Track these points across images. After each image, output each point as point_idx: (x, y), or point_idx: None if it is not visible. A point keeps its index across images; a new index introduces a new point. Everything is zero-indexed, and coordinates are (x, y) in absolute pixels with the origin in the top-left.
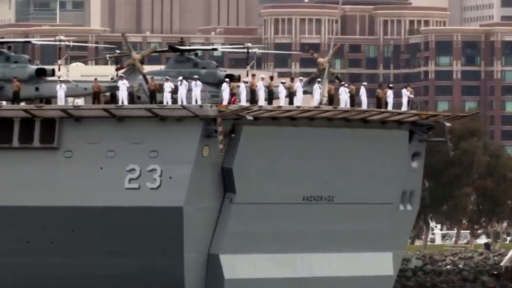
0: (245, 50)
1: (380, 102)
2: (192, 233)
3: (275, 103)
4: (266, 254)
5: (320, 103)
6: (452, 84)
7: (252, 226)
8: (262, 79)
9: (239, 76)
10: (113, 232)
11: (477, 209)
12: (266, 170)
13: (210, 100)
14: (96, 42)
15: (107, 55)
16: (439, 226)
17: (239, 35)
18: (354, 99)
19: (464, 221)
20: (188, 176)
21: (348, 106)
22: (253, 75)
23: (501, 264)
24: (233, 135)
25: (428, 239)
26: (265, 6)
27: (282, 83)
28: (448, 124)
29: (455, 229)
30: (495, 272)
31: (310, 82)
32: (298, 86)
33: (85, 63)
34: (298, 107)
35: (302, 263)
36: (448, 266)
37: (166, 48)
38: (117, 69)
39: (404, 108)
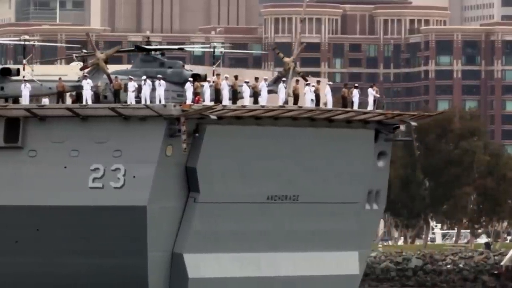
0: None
1: (345, 102)
2: (155, 232)
3: (240, 103)
4: (230, 253)
5: (286, 102)
6: (452, 83)
7: (216, 225)
8: (226, 78)
9: (205, 75)
10: (77, 231)
11: (477, 209)
12: (230, 170)
13: (175, 100)
14: (96, 42)
15: (74, 55)
16: (439, 225)
17: (239, 34)
18: (319, 98)
19: (464, 221)
20: (151, 175)
21: (313, 105)
22: (218, 75)
23: (502, 263)
24: (197, 134)
25: (429, 238)
26: (265, 5)
27: (246, 82)
28: (414, 124)
29: (456, 228)
30: (496, 272)
31: (276, 81)
32: (262, 85)
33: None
34: (263, 106)
35: (267, 262)
36: (449, 266)
37: (132, 48)
38: (81, 69)
39: (370, 107)
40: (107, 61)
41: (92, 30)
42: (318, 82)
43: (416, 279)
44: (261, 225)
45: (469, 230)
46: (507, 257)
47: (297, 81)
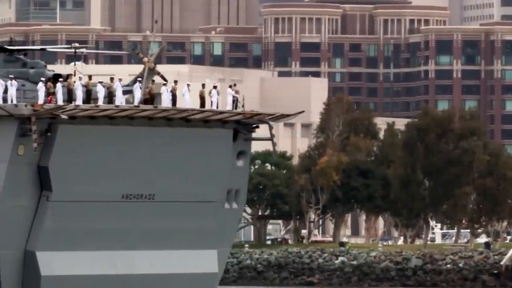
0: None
1: (203, 101)
2: (7, 230)
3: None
4: (84, 252)
5: (143, 102)
6: (452, 83)
7: (70, 224)
8: (80, 78)
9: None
10: None
11: (477, 208)
12: (83, 168)
13: (26, 100)
14: (96, 41)
15: None
16: (439, 225)
17: (239, 34)
18: (175, 98)
19: (464, 220)
20: (3, 174)
21: (170, 105)
22: (70, 75)
23: (501, 263)
24: (49, 134)
25: (428, 238)
26: (265, 5)
27: (100, 82)
28: (272, 123)
29: (455, 228)
30: (495, 271)
31: (135, 82)
32: (117, 85)
33: (85, 62)
34: (117, 106)
35: (122, 260)
36: (448, 265)
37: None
38: None
39: (229, 107)
40: None
41: (92, 30)
42: (176, 82)
43: (416, 278)
44: (116, 224)
45: (469, 230)
46: (507, 256)
47: (153, 81)
